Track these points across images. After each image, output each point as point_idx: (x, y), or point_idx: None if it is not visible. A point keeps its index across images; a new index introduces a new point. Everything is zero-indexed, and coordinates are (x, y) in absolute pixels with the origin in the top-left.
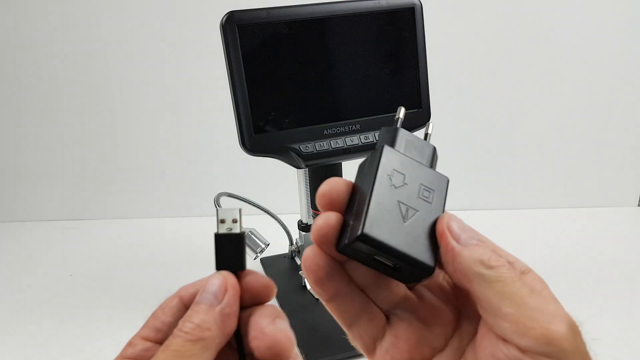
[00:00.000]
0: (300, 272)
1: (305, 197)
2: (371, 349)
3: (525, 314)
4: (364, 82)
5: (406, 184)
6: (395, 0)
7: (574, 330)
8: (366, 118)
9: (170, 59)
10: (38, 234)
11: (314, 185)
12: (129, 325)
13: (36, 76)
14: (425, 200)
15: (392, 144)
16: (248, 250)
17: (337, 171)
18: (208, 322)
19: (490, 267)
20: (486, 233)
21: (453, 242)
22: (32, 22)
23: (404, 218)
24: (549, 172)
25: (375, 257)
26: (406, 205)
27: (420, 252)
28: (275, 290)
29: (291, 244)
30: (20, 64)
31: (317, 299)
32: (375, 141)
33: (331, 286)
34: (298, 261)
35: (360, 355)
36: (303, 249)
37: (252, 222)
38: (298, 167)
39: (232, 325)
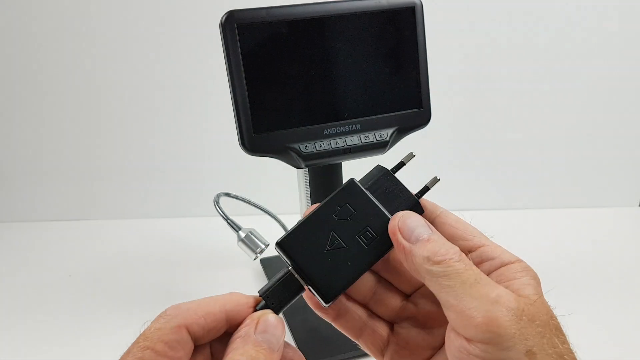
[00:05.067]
0: None
1: (305, 197)
2: (380, 357)
3: (466, 304)
4: (364, 82)
5: (349, 221)
6: None
7: (518, 314)
8: (366, 118)
9: (169, 59)
10: (38, 234)
11: (314, 185)
12: (128, 325)
13: (35, 76)
14: (361, 242)
15: (364, 181)
16: (247, 251)
17: (337, 171)
18: None
19: (436, 263)
20: (486, 234)
21: (404, 242)
22: (32, 21)
23: (326, 247)
24: (549, 172)
25: (291, 270)
26: (338, 238)
27: (320, 281)
28: None
29: None
30: (19, 64)
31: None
32: (375, 141)
33: (331, 308)
34: None
35: (360, 355)
36: None
37: (251, 222)
38: (298, 167)
39: None
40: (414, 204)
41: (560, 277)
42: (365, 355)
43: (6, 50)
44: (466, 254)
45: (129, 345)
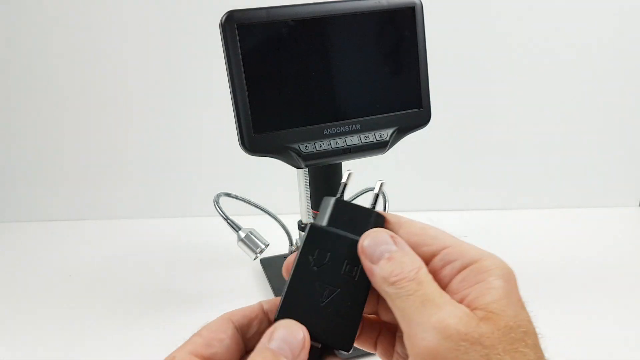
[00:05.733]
0: None
1: (305, 197)
2: None
3: (412, 329)
4: (364, 82)
5: (328, 263)
6: None
7: (456, 339)
8: (366, 118)
9: (170, 59)
10: (38, 234)
11: (314, 185)
12: (128, 325)
13: (35, 76)
14: (348, 277)
15: (321, 219)
16: (247, 251)
17: (337, 171)
18: None
19: (391, 284)
20: (486, 234)
21: (367, 262)
22: (32, 21)
23: (321, 300)
24: (549, 172)
25: None
26: (326, 285)
27: (334, 334)
28: None
29: (291, 244)
30: (19, 64)
31: None
32: (375, 141)
33: (370, 345)
34: None
35: (360, 355)
36: None
37: (251, 222)
38: (298, 167)
39: None
40: (375, 216)
41: (560, 277)
42: (365, 355)
43: (6, 51)
44: (429, 261)
45: (129, 344)
